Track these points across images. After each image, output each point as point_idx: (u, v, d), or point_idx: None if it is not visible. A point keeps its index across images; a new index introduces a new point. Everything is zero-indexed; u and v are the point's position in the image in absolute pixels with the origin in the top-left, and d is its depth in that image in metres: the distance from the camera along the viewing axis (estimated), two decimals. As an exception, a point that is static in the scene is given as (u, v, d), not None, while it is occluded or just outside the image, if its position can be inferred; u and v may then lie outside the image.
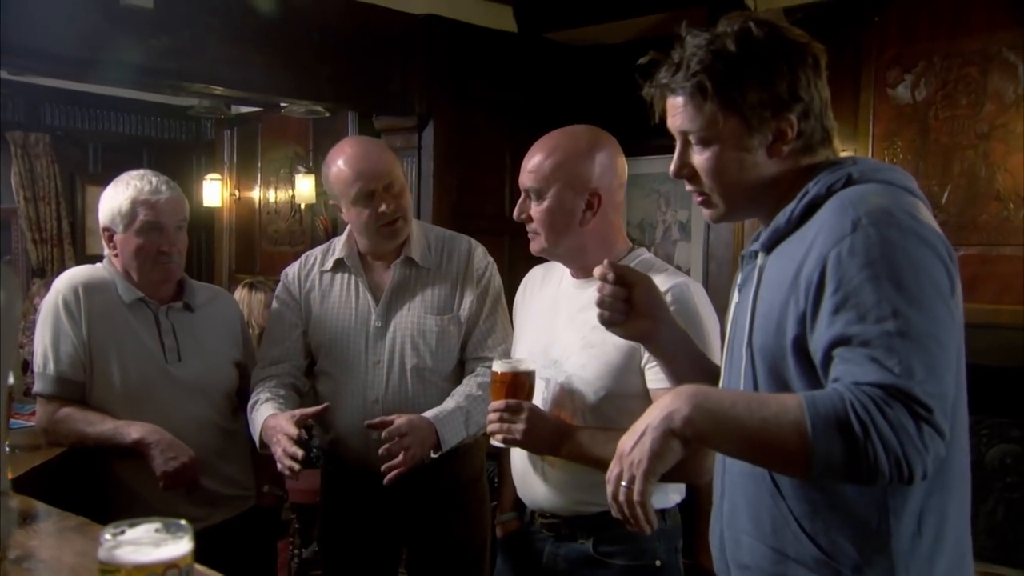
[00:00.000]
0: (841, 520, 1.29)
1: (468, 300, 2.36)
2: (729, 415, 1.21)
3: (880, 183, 1.30)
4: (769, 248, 1.38)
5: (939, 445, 1.14)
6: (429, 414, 2.21)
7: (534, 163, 1.94)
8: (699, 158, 1.38)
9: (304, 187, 6.22)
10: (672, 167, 1.42)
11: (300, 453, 2.06)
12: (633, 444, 1.24)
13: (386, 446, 2.09)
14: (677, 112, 1.38)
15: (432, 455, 2.20)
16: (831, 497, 1.29)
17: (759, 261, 1.40)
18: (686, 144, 1.40)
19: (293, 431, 2.08)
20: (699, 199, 1.44)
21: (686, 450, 1.23)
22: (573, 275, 2.03)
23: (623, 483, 1.24)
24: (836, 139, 1.40)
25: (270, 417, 2.19)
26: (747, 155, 1.35)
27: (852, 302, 1.19)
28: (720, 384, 1.51)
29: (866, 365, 1.16)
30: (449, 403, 2.26)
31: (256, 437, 2.24)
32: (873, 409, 1.12)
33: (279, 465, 2.10)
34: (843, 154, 4.15)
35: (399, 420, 2.13)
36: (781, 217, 1.35)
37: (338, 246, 2.43)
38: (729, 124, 1.34)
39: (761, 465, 1.30)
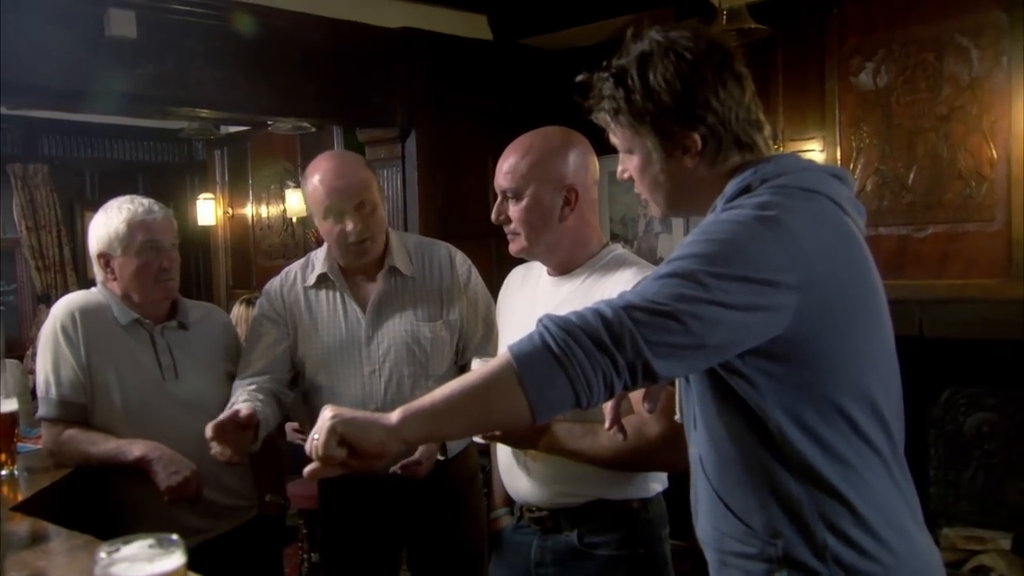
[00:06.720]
0: (753, 492, 1.34)
1: (459, 307, 2.40)
2: (436, 398, 1.26)
3: (773, 187, 1.34)
4: None
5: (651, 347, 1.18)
6: None
7: (509, 164, 1.96)
8: (631, 165, 1.48)
9: (294, 201, 6.27)
10: (618, 172, 1.52)
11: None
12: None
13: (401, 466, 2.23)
14: (607, 128, 1.49)
15: (439, 457, 2.28)
16: (739, 471, 1.35)
17: None
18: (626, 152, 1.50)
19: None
20: (643, 198, 1.53)
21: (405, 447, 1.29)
22: (549, 273, 2.05)
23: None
24: (762, 133, 1.44)
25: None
26: (667, 159, 1.43)
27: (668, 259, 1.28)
28: None
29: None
30: None
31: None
32: (573, 328, 1.18)
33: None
34: (810, 143, 4.18)
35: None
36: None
37: (318, 261, 2.45)
38: (641, 135, 1.43)
39: (494, 427, 1.37)
